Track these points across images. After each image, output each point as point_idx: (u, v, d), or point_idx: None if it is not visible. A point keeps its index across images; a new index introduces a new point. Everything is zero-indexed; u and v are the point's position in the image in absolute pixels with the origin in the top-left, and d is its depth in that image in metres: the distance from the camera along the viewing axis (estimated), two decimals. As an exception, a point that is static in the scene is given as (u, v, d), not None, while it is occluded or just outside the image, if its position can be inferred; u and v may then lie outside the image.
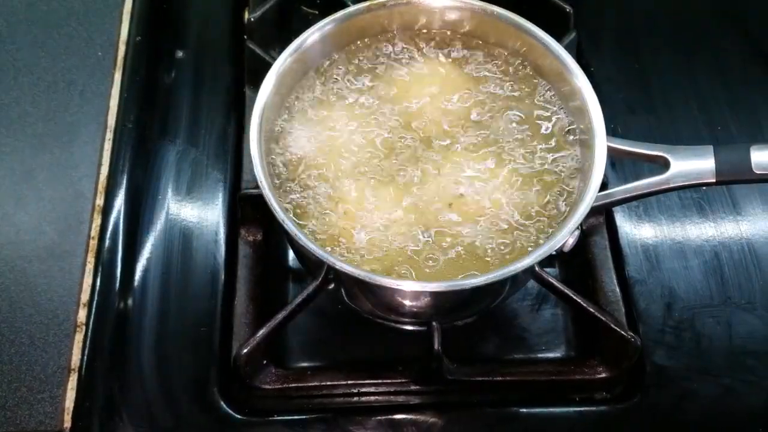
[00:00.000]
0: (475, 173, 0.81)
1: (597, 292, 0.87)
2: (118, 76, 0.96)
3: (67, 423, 0.76)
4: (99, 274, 0.83)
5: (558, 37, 0.85)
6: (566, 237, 0.73)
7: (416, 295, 0.75)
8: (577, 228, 0.74)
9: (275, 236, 0.90)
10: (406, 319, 0.84)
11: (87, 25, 0.99)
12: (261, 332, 0.78)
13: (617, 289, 0.86)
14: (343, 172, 0.81)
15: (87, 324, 0.80)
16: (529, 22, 0.84)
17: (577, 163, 0.81)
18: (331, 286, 0.78)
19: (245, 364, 0.78)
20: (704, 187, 0.90)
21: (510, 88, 0.86)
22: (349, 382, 0.81)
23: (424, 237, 0.77)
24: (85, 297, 0.82)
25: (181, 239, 0.87)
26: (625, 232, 0.89)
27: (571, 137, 0.83)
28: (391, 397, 0.81)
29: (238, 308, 0.85)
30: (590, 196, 0.74)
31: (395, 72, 0.87)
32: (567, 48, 0.84)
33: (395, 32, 0.88)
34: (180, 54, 1.01)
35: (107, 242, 0.85)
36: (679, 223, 0.90)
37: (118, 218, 0.86)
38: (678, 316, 0.84)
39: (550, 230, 0.77)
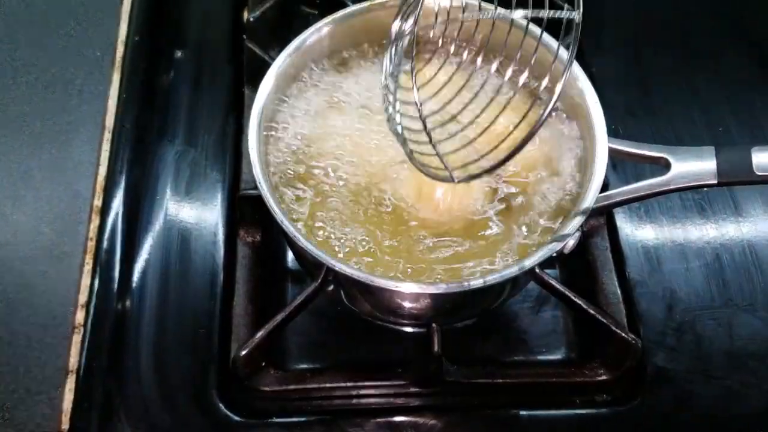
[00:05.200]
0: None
1: (597, 293, 0.86)
2: (116, 76, 0.95)
3: (65, 424, 0.76)
4: (97, 275, 0.83)
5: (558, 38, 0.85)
6: (567, 238, 0.73)
7: (415, 296, 0.75)
8: (578, 229, 0.73)
9: (274, 237, 0.89)
10: (406, 321, 0.84)
11: (85, 25, 0.99)
12: (260, 334, 0.78)
13: (618, 291, 0.86)
14: (343, 172, 0.80)
15: (85, 325, 0.80)
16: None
17: (577, 165, 0.81)
18: (331, 287, 0.78)
19: (244, 365, 0.78)
20: (705, 189, 0.89)
21: (509, 89, 0.86)
22: (349, 384, 0.81)
23: (423, 236, 0.77)
24: (83, 298, 0.81)
25: (179, 240, 0.86)
26: (626, 234, 0.89)
27: (571, 138, 0.82)
28: (391, 399, 0.81)
29: (237, 309, 0.84)
30: (591, 198, 0.74)
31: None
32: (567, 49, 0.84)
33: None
34: (179, 54, 1.00)
35: (105, 243, 0.84)
36: (680, 225, 0.90)
37: (116, 219, 0.86)
38: (679, 317, 0.84)
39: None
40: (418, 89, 0.63)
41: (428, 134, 0.62)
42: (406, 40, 0.65)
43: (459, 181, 0.66)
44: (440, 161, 0.65)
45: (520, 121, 0.63)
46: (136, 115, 0.94)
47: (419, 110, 0.62)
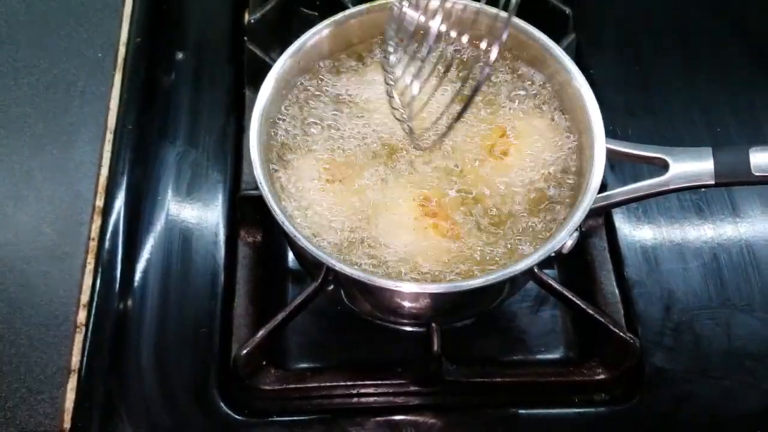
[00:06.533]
0: (468, 169, 0.81)
1: (596, 293, 0.87)
2: (118, 77, 0.96)
3: (67, 423, 0.76)
4: (99, 275, 0.83)
5: (557, 39, 0.85)
6: (565, 238, 0.73)
7: (415, 296, 0.75)
8: (576, 229, 0.74)
9: (275, 237, 0.90)
10: (406, 321, 0.84)
11: (87, 26, 0.99)
12: (260, 333, 0.78)
13: (616, 291, 0.87)
14: (343, 171, 0.81)
15: (87, 325, 0.80)
16: (528, 24, 0.84)
17: (575, 166, 0.81)
18: (331, 287, 0.78)
19: (245, 364, 0.78)
20: (703, 189, 0.90)
21: (509, 89, 0.86)
22: (349, 383, 0.81)
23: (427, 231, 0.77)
24: (84, 298, 0.82)
25: (180, 240, 0.87)
26: (624, 234, 0.89)
27: (570, 138, 0.83)
28: (391, 398, 0.81)
29: (238, 309, 0.85)
30: (589, 198, 0.74)
31: (395, 72, 0.87)
32: (566, 50, 0.84)
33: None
34: (180, 55, 1.01)
35: (107, 243, 0.85)
36: (678, 225, 0.90)
37: (117, 219, 0.87)
38: (677, 317, 0.84)
39: (549, 232, 0.78)
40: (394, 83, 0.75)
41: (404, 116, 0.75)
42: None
43: (426, 147, 0.78)
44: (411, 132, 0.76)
45: (459, 91, 0.74)
46: (138, 116, 0.94)
47: (398, 99, 0.75)
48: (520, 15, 0.85)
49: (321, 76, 0.86)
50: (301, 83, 0.85)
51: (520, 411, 0.80)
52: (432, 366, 0.79)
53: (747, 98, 1.01)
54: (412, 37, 0.73)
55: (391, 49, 0.75)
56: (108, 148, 0.91)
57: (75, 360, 0.79)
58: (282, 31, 1.02)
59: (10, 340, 0.79)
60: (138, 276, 0.84)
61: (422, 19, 0.73)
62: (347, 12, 0.85)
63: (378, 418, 0.79)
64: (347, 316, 0.86)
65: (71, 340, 0.80)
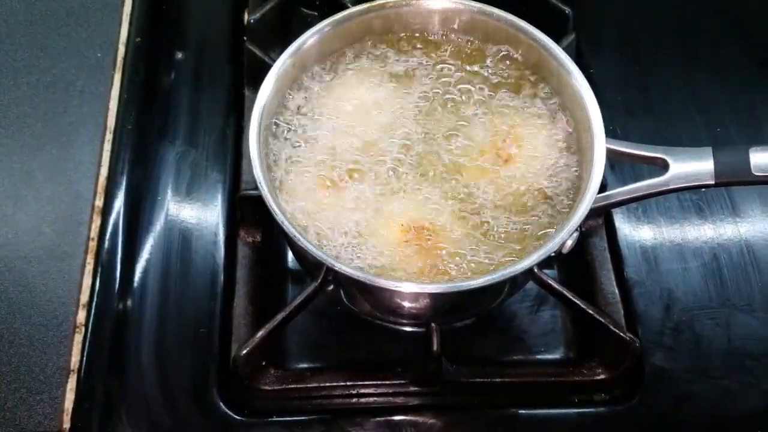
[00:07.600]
0: (469, 169, 0.81)
1: (596, 293, 0.87)
2: (117, 77, 0.96)
3: (66, 424, 0.76)
4: (98, 275, 0.83)
5: (557, 39, 0.85)
6: (565, 238, 0.73)
7: (415, 296, 0.75)
8: (576, 229, 0.74)
9: (274, 237, 0.90)
10: (405, 321, 0.84)
11: (86, 26, 0.99)
12: (260, 333, 0.78)
13: (616, 291, 0.87)
14: (343, 171, 0.81)
15: (86, 325, 0.80)
16: (527, 23, 0.85)
17: (576, 165, 0.81)
18: (330, 287, 0.78)
19: (244, 365, 0.78)
20: (703, 189, 0.90)
21: (509, 89, 0.86)
22: (348, 383, 0.81)
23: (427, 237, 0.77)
24: (84, 298, 0.82)
25: (180, 240, 0.87)
26: (624, 234, 0.89)
27: (570, 138, 0.83)
28: (390, 398, 0.81)
29: (238, 309, 0.85)
30: (589, 198, 0.74)
31: (394, 73, 0.87)
32: (566, 50, 0.84)
33: (394, 34, 0.89)
34: (179, 55, 1.01)
35: (106, 243, 0.85)
36: (678, 225, 0.90)
37: (117, 219, 0.87)
38: (677, 317, 0.84)
39: (549, 231, 0.78)
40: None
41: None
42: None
43: None
44: None
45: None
46: (137, 115, 0.94)
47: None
48: (520, 15, 0.85)
49: (321, 77, 0.86)
50: (301, 83, 0.85)
51: (520, 411, 0.80)
52: (432, 366, 0.79)
53: (747, 98, 1.01)
54: None
55: None
56: (107, 147, 0.91)
57: (74, 360, 0.79)
58: (282, 31, 1.02)
59: (9, 340, 0.79)
60: (137, 276, 0.84)
61: None
62: (347, 12, 0.85)
63: (378, 418, 0.79)
64: (347, 316, 0.85)
65: (71, 340, 0.79)
